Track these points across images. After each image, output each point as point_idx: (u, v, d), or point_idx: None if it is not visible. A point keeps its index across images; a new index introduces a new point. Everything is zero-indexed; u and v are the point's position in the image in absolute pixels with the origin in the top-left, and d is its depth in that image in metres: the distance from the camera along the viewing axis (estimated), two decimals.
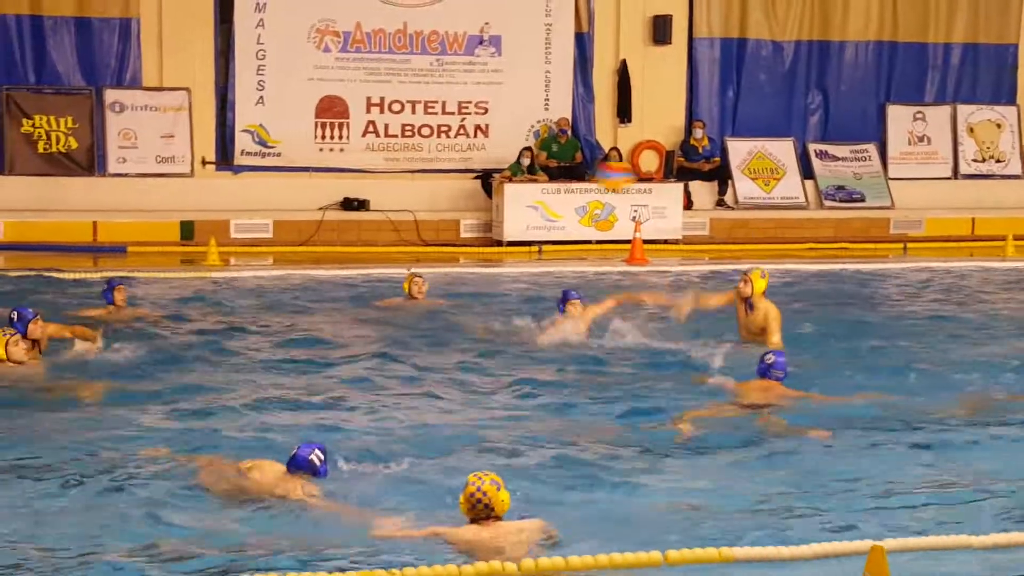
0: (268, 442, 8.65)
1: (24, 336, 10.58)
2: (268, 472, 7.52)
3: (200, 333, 12.85)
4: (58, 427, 9.09)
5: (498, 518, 6.67)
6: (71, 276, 16.11)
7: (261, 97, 20.96)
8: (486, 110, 21.97)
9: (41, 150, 20.12)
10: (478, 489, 6.63)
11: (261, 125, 20.99)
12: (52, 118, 20.15)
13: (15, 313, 10.86)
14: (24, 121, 20.04)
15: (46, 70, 20.24)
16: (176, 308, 14.25)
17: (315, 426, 9.14)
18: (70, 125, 20.20)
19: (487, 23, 21.94)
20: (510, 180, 20.55)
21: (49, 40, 20.22)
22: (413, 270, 15.08)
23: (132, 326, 12.68)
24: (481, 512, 6.65)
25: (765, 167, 22.80)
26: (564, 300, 12.89)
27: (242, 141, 20.96)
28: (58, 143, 20.17)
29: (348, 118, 21.34)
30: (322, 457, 7.46)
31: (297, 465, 7.43)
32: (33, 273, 16.14)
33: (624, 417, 9.80)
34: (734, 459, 8.71)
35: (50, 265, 16.79)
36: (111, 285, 13.23)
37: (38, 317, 10.93)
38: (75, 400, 9.90)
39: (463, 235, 20.76)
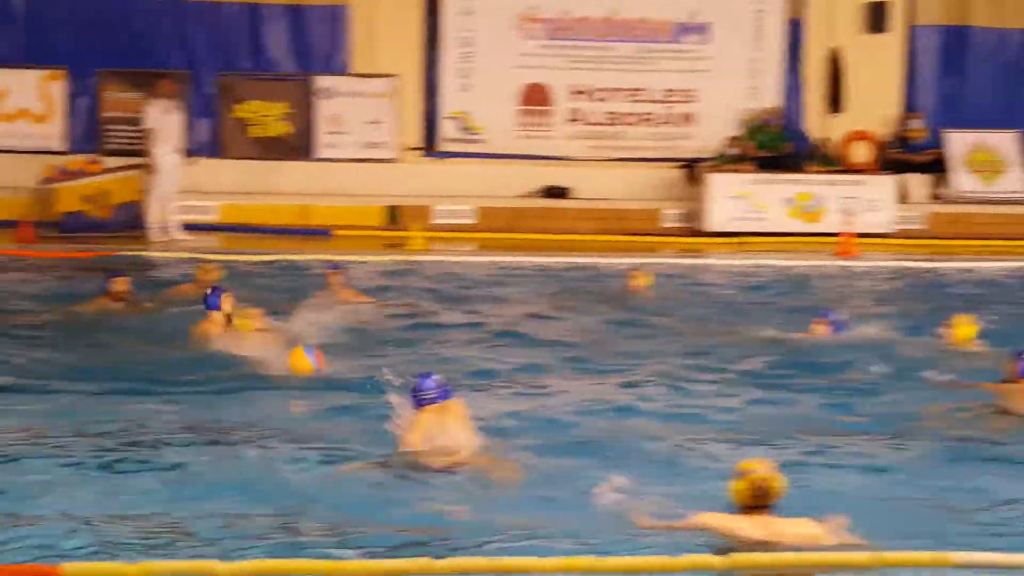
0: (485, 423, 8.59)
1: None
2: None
3: (404, 316, 13.02)
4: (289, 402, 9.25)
5: (768, 508, 6.56)
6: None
7: (466, 84, 21.14)
8: (692, 98, 21.71)
9: (254, 135, 20.64)
10: (760, 477, 6.54)
11: (465, 112, 21.16)
12: (265, 104, 20.66)
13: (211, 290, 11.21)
14: (238, 106, 20.59)
15: (260, 57, 20.75)
16: (381, 291, 14.43)
17: (532, 411, 9.10)
18: (282, 110, 20.68)
19: (696, 10, 21.67)
20: (715, 170, 20.29)
21: (264, 27, 20.71)
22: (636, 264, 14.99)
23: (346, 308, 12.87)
24: (760, 500, 6.53)
25: (986, 160, 21.95)
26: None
27: (446, 128, 21.16)
28: (270, 128, 20.67)
29: (552, 106, 21.34)
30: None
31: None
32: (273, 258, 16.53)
33: (873, 414, 9.57)
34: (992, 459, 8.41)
35: (261, 247, 17.21)
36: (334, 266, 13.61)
37: (228, 291, 11.23)
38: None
39: (664, 225, 20.57)
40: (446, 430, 7.99)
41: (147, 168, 18.06)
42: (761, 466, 6.64)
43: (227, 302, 11.26)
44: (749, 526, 6.51)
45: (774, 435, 8.88)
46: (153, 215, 18.00)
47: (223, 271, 13.83)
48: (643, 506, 6.86)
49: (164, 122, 18.11)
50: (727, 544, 6.43)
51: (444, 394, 8.14)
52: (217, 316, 11.18)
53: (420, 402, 8.09)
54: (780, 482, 6.58)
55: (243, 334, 10.94)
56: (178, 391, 9.65)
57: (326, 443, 8.35)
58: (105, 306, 12.35)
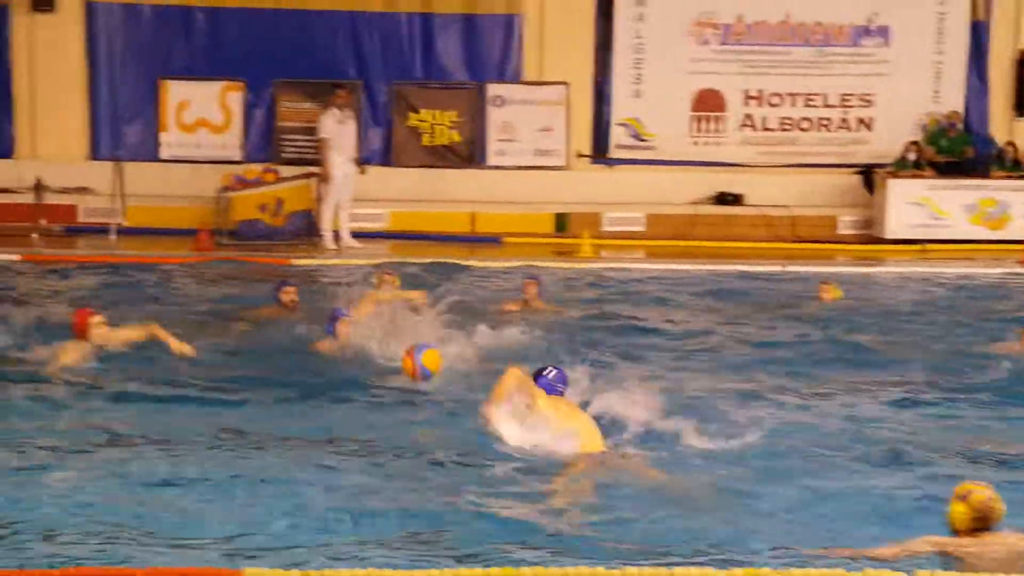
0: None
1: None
2: None
3: (581, 322, 12.92)
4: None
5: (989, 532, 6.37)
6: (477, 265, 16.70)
7: (638, 91, 21.01)
8: (870, 103, 21.24)
9: (426, 143, 20.82)
10: (988, 498, 6.35)
11: (637, 118, 21.03)
12: (437, 112, 20.82)
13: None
14: (411, 115, 20.80)
15: (433, 66, 20.92)
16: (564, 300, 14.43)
17: (742, 423, 8.95)
18: (453, 119, 20.82)
19: (875, 13, 21.22)
20: (894, 175, 19.82)
21: (437, 36, 20.87)
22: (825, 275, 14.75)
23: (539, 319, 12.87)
24: (981, 524, 6.35)
25: None
26: None
27: (617, 134, 21.06)
28: (441, 136, 20.83)
29: (725, 111, 21.08)
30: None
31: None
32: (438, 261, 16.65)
33: None
34: None
35: (431, 254, 17.32)
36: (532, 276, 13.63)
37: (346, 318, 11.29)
38: None
39: (840, 232, 20.16)
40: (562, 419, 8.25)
41: (321, 177, 18.35)
42: (982, 489, 6.40)
43: (344, 328, 11.14)
44: (975, 547, 6.29)
45: (992, 454, 8.55)
46: (326, 223, 18.28)
47: (397, 277, 13.91)
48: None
49: (338, 132, 18.37)
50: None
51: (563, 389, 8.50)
52: (330, 341, 11.16)
53: (550, 389, 8.41)
54: (1000, 505, 6.36)
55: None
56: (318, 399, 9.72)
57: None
58: (275, 314, 12.52)
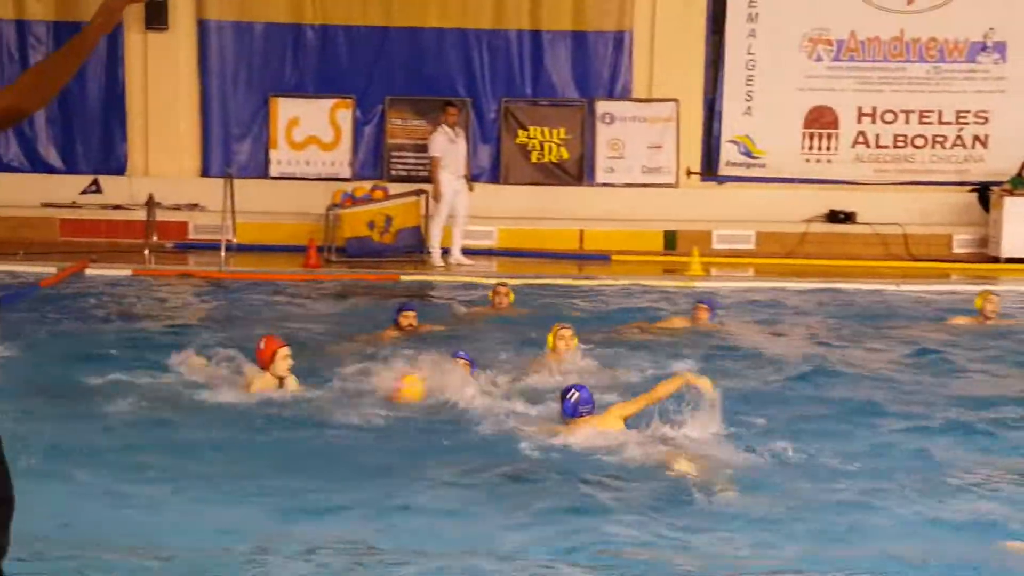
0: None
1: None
2: None
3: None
4: None
5: None
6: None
7: (749, 108, 20.79)
8: (986, 119, 20.83)
9: (534, 160, 20.77)
10: None
11: (747, 136, 20.81)
12: (546, 129, 20.76)
13: None
14: (520, 132, 20.75)
15: (542, 83, 20.87)
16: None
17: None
18: (562, 136, 20.74)
19: (991, 28, 20.81)
20: (1010, 193, 19.40)
21: (547, 53, 20.82)
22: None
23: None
24: None
25: None
26: None
27: (728, 152, 20.85)
28: (550, 153, 20.76)
29: (837, 128, 20.78)
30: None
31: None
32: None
33: None
34: None
35: (538, 271, 17.24)
36: (706, 302, 13.47)
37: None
38: None
39: (955, 250, 19.80)
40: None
41: (432, 194, 18.35)
42: None
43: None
44: None
45: None
46: (435, 240, 18.27)
47: (512, 295, 13.82)
48: None
49: (449, 150, 18.36)
50: None
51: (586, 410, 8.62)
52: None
53: (574, 412, 8.59)
54: None
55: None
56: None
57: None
58: (393, 338, 12.40)
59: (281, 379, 9.50)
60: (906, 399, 10.40)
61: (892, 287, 16.88)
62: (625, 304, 15.21)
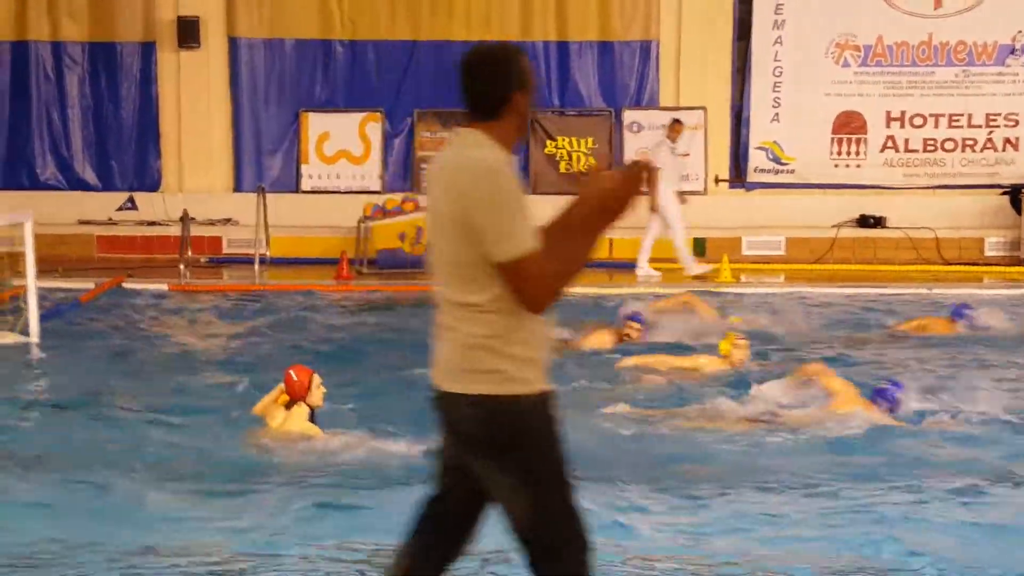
0: None
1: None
2: None
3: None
4: None
5: None
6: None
7: (776, 114, 20.84)
8: (1016, 122, 20.81)
9: (563, 170, 20.88)
10: None
11: (776, 142, 20.86)
12: (574, 139, 20.87)
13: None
14: (548, 142, 20.87)
15: (569, 93, 20.99)
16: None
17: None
18: (590, 145, 20.85)
19: (1020, 31, 20.79)
20: None
21: (574, 64, 20.94)
22: None
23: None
24: None
25: None
26: None
27: (756, 158, 20.90)
28: (579, 163, 20.87)
29: (866, 133, 20.80)
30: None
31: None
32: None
33: None
34: None
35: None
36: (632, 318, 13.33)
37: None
38: None
39: (988, 254, 19.75)
40: None
41: (651, 206, 17.97)
42: None
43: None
44: None
45: None
46: (645, 254, 18.08)
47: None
48: None
49: (672, 163, 18.18)
50: None
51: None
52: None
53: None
54: None
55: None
56: None
57: None
58: (604, 342, 12.44)
59: (312, 409, 9.08)
60: None
61: (924, 290, 16.88)
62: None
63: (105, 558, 6.55)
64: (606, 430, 9.32)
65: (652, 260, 18.21)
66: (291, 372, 9.05)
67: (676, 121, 18.83)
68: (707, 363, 11.32)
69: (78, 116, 20.79)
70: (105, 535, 6.90)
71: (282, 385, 9.08)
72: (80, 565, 6.47)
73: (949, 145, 20.88)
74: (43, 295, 13.63)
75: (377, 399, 10.35)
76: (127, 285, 16.62)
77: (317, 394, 9.03)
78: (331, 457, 8.61)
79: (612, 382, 10.95)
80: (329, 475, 8.16)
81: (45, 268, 16.09)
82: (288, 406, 9.03)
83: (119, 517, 7.26)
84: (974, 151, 20.88)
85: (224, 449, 8.83)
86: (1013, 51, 20.82)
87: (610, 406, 9.87)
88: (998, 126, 20.87)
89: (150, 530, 7.01)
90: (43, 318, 13.06)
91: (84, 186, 20.74)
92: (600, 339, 12.45)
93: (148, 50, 20.67)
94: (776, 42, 20.79)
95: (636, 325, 12.53)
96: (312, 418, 9.05)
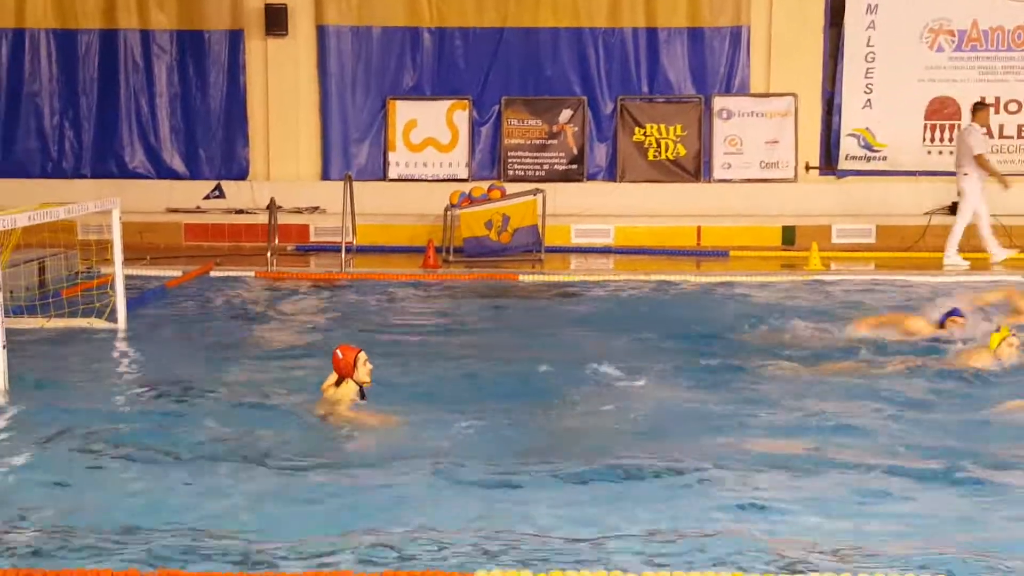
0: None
1: None
2: None
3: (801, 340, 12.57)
4: None
5: None
6: None
7: (868, 100, 20.54)
8: None
9: (651, 157, 20.73)
10: None
11: (867, 128, 20.56)
12: (662, 126, 20.71)
13: None
14: (636, 130, 20.72)
15: (658, 80, 20.82)
16: (781, 313, 14.07)
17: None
18: (679, 133, 20.68)
19: None
20: None
21: (662, 50, 20.77)
22: None
23: None
24: None
25: None
26: None
27: (847, 145, 20.61)
28: (667, 150, 20.70)
29: (960, 120, 20.42)
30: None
31: None
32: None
33: None
34: None
35: (657, 269, 17.15)
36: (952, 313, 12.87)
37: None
38: None
39: None
40: None
41: (1002, 183, 17.82)
42: None
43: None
44: None
45: None
46: (956, 240, 17.91)
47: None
48: None
49: (988, 147, 18.04)
50: None
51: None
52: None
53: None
54: None
55: None
56: None
57: None
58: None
59: (361, 386, 9.24)
60: None
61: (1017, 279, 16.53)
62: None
63: (176, 538, 6.63)
64: None
65: (748, 248, 18.01)
66: (337, 351, 9.26)
67: (981, 104, 18.45)
68: (976, 357, 11.07)
69: (166, 105, 20.98)
70: (173, 518, 6.99)
71: None
72: (148, 545, 6.51)
73: None
74: (131, 283, 13.76)
75: (436, 384, 10.37)
76: (215, 273, 16.74)
77: (363, 371, 9.19)
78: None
79: None
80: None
81: (133, 256, 16.30)
82: (337, 384, 9.24)
83: (192, 501, 7.31)
84: None
85: (289, 430, 8.88)
86: None
87: None
88: None
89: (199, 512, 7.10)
90: (130, 305, 13.18)
91: (172, 174, 20.93)
92: (918, 326, 12.33)
93: (236, 38, 20.80)
94: (869, 27, 20.49)
95: (960, 320, 12.34)
96: (361, 395, 9.21)
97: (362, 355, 9.24)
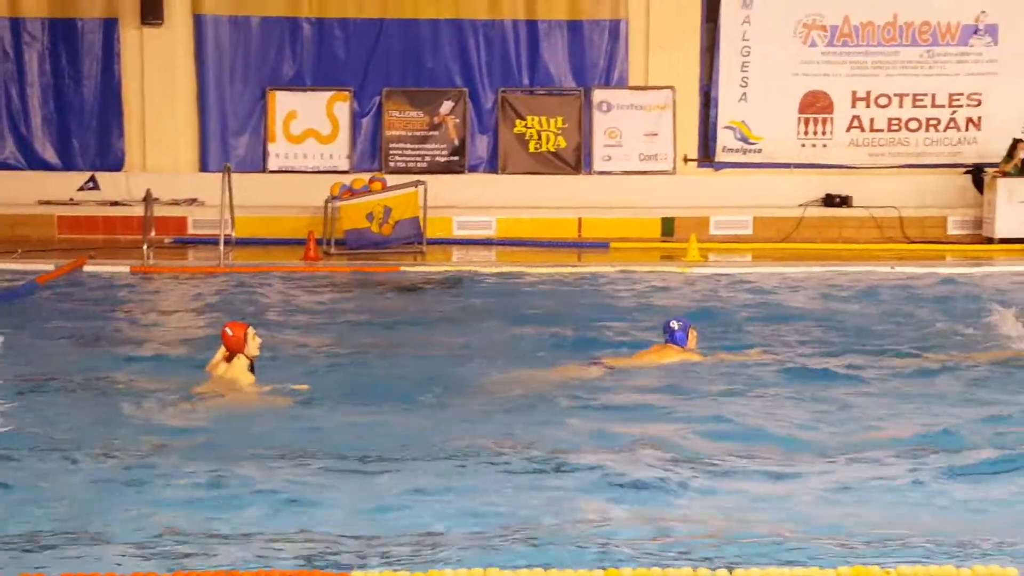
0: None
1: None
2: None
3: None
4: None
5: None
6: None
7: (744, 94, 20.87)
8: (979, 102, 20.92)
9: (532, 149, 20.83)
10: None
11: (743, 121, 20.90)
12: (543, 118, 20.83)
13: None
14: (517, 122, 20.82)
15: (539, 72, 20.93)
16: (655, 303, 14.27)
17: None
18: (560, 125, 20.81)
19: (983, 12, 20.92)
20: (1003, 175, 19.48)
21: (543, 43, 20.88)
22: None
23: None
24: None
25: None
26: None
27: (724, 138, 20.93)
28: (548, 142, 20.83)
29: (832, 113, 20.86)
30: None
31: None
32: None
33: None
34: None
35: (539, 260, 17.28)
36: None
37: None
38: None
39: (950, 232, 19.92)
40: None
41: None
42: None
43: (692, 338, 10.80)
44: None
45: None
46: None
47: None
48: None
49: None
50: None
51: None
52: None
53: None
54: None
55: None
56: None
57: None
58: None
59: (251, 360, 9.52)
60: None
61: (887, 269, 16.92)
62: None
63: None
64: None
65: (628, 240, 18.21)
66: (226, 329, 9.59)
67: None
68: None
69: (38, 94, 20.56)
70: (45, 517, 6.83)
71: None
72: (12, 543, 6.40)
73: (913, 125, 20.97)
74: (0, 278, 13.46)
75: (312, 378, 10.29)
76: (88, 267, 16.46)
77: (253, 345, 9.54)
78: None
79: None
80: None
81: (4, 249, 16.01)
82: (228, 359, 9.55)
83: (70, 499, 7.18)
84: (937, 131, 20.99)
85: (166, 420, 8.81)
86: (976, 31, 20.90)
87: None
88: (961, 106, 20.98)
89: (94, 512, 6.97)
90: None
91: (45, 165, 20.54)
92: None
93: (110, 26, 20.46)
94: (744, 22, 20.81)
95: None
96: (251, 368, 9.53)
97: (251, 330, 9.56)
